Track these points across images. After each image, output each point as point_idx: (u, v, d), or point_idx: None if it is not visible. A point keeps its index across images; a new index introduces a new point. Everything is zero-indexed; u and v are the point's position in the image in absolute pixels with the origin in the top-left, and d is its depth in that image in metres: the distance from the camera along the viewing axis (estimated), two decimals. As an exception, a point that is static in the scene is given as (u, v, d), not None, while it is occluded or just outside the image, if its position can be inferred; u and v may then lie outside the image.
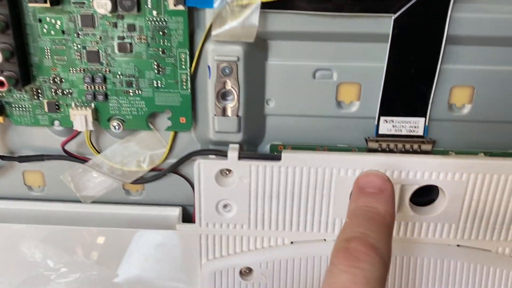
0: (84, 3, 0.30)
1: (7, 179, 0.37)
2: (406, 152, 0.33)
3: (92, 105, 0.33)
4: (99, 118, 0.34)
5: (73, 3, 0.30)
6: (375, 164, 0.32)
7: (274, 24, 0.30)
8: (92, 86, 0.32)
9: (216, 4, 0.29)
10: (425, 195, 0.34)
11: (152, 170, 0.36)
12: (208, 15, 0.30)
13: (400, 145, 0.33)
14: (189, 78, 0.32)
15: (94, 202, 0.37)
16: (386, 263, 0.24)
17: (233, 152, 0.32)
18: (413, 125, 0.33)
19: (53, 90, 0.33)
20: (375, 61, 0.31)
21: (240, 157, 0.33)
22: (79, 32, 0.31)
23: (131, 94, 0.33)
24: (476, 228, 0.34)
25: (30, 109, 0.33)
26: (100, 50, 0.31)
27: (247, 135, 0.34)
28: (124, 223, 0.37)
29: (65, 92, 0.33)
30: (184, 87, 0.32)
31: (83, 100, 0.33)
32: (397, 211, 0.33)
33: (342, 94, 0.33)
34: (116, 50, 0.31)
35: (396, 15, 0.29)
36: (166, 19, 0.30)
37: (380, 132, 0.33)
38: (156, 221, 0.37)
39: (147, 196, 0.38)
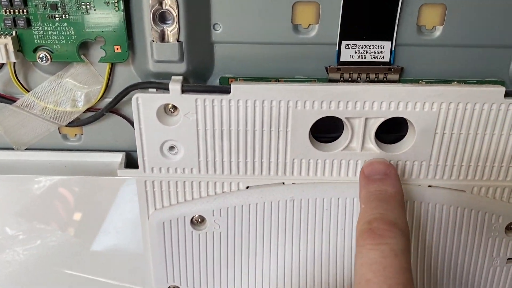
0: None
1: None
2: (371, 82, 0.30)
3: (14, 33, 0.29)
4: (24, 48, 0.29)
5: None
6: (336, 94, 0.28)
7: None
8: (11, 10, 0.28)
9: None
10: (393, 132, 0.31)
11: (89, 110, 0.32)
12: None
13: (364, 75, 0.30)
14: (121, -3, 0.28)
15: (28, 148, 0.34)
16: (407, 235, 0.26)
17: (175, 85, 0.29)
18: (378, 50, 0.29)
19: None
20: (334, -25, 0.28)
21: (183, 90, 0.29)
22: None
23: (57, 19, 0.29)
24: (449, 166, 0.31)
25: None
26: (15, -34, 0.27)
27: (192, 65, 0.30)
28: (62, 170, 0.33)
29: (-20, 18, 0.29)
30: (117, 10, 0.28)
31: (1, 27, 0.29)
32: (360, 148, 0.30)
33: (299, 16, 0.29)
34: (34, -34, 0.27)
35: None
36: None
37: (342, 59, 0.30)
38: (97, 168, 0.33)
39: (87, 141, 0.34)
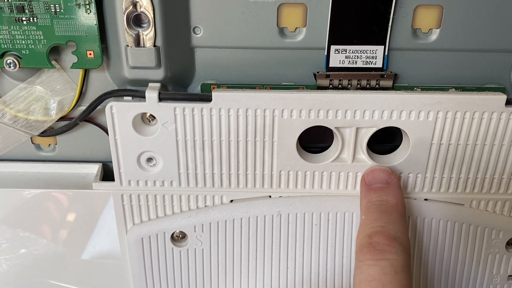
0: None
1: None
2: (362, 89, 0.28)
3: (-22, 37, 0.27)
4: (-10, 54, 0.27)
5: None
6: (325, 103, 0.26)
7: None
8: (-25, 13, 0.26)
9: None
10: (387, 142, 0.29)
11: (63, 119, 0.30)
12: None
13: (354, 82, 0.28)
14: (93, 0, 0.26)
15: (-1, 160, 0.32)
16: (408, 250, 0.26)
17: (152, 92, 0.27)
18: (370, 55, 0.27)
19: None
20: (322, -25, 0.26)
21: (161, 98, 0.27)
22: None
23: (25, 22, 0.27)
24: (446, 178, 0.29)
25: None
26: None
27: (171, 71, 0.28)
28: (35, 183, 0.31)
29: None
30: (88, 12, 0.26)
31: (-35, 31, 0.27)
32: (351, 160, 0.28)
33: (285, 19, 0.27)
34: (-2, -35, 0.25)
35: None
36: None
37: (331, 65, 0.28)
38: (72, 180, 0.31)
39: (61, 152, 0.32)
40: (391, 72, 0.28)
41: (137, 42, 0.26)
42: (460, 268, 0.31)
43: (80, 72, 0.28)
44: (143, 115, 0.28)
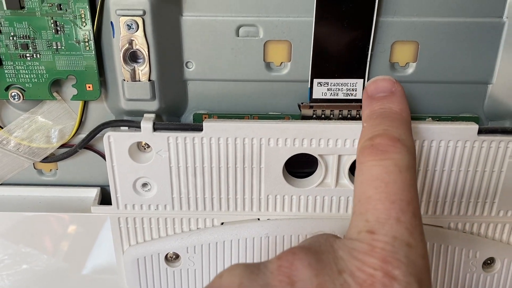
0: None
1: None
2: (344, 119, 0.30)
3: (-15, 72, 0.29)
4: (-4, 87, 0.29)
5: None
6: (308, 132, 0.28)
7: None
8: (-18, 50, 0.28)
9: None
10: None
11: (64, 146, 0.32)
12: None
13: (336, 112, 0.30)
14: (92, 37, 0.28)
15: (3, 184, 0.33)
16: (413, 152, 0.24)
17: (147, 123, 0.28)
18: (351, 87, 0.29)
19: None
20: (304, 15, 0.28)
21: (155, 128, 0.29)
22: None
23: (28, 58, 0.29)
24: (424, 202, 0.30)
25: None
26: (-14, 7, 0.27)
27: (165, 103, 0.30)
28: (36, 206, 0.33)
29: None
30: (88, 49, 0.28)
31: (-27, 67, 0.29)
32: (335, 185, 0.30)
33: (271, 54, 0.29)
34: (4, 6, 0.27)
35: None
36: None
37: (314, 96, 0.29)
38: (72, 204, 0.33)
39: (62, 176, 0.34)
40: (371, 103, 0.30)
41: (133, 76, 0.28)
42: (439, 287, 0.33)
43: (80, 103, 0.30)
44: (138, 143, 0.30)
